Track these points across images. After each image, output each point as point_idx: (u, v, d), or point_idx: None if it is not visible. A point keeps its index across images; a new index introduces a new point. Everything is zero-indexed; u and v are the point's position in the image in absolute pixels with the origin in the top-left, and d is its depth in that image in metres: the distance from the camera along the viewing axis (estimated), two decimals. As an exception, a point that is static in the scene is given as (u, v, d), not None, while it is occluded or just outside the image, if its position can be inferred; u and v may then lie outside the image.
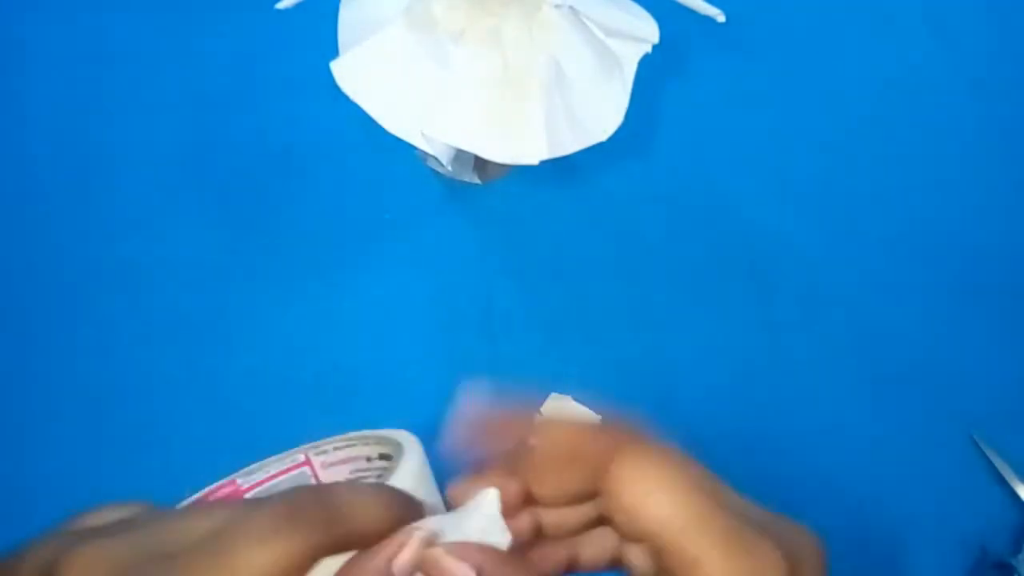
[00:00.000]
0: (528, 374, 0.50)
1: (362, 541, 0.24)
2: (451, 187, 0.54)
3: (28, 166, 0.54)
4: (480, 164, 0.52)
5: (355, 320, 0.51)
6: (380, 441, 0.39)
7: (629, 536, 0.25)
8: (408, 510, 0.26)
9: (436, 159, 0.46)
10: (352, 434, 0.41)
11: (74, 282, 0.51)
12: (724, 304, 0.53)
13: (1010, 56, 0.62)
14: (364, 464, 0.41)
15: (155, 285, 0.51)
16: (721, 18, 0.44)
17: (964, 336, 0.53)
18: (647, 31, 0.46)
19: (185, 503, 0.38)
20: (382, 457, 0.40)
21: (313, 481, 0.39)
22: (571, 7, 0.44)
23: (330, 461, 0.41)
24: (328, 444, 0.41)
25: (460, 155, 0.47)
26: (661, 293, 0.53)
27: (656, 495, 0.24)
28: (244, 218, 0.53)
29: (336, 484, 0.25)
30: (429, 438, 0.46)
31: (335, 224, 0.53)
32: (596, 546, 0.28)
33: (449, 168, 0.50)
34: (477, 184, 0.53)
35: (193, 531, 0.23)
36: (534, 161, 0.43)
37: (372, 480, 0.38)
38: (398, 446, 0.36)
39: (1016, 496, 0.48)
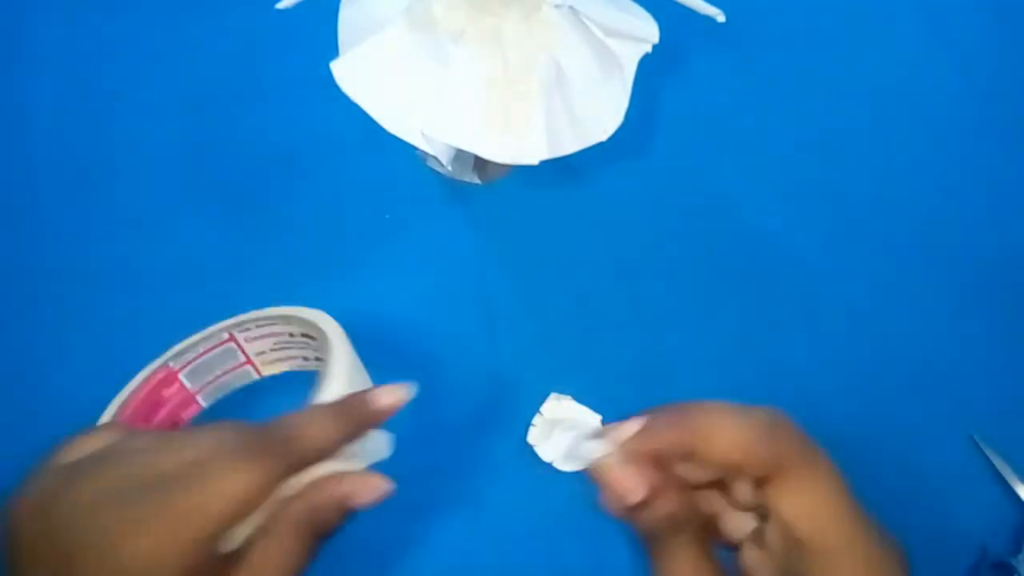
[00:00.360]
0: (528, 374, 0.50)
1: (317, 456, 0.29)
2: (451, 187, 0.54)
3: (28, 166, 0.54)
4: (480, 164, 0.52)
5: (354, 320, 0.51)
6: (301, 323, 0.41)
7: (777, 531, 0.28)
8: (352, 420, 0.31)
9: (436, 159, 0.46)
10: (271, 312, 0.43)
11: (74, 282, 0.51)
12: (724, 304, 0.53)
13: (1010, 56, 0.62)
14: (287, 339, 0.44)
15: (155, 285, 0.51)
16: (721, 18, 0.44)
17: (964, 336, 0.53)
18: (647, 31, 0.46)
19: (128, 395, 0.40)
20: (304, 336, 0.42)
21: (240, 354, 0.44)
22: (571, 7, 0.44)
23: (253, 336, 0.44)
24: (250, 322, 0.43)
25: (460, 155, 0.47)
26: (661, 293, 0.53)
27: (813, 513, 0.27)
28: (244, 218, 0.53)
29: (289, 414, 0.30)
30: (428, 436, 0.46)
31: (335, 224, 0.53)
32: (738, 522, 0.30)
33: (449, 168, 0.50)
34: (477, 184, 0.53)
35: (172, 461, 0.27)
36: (534, 161, 0.43)
37: (297, 352, 0.44)
38: (320, 331, 0.39)
39: (1016, 496, 0.48)
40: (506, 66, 0.42)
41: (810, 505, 0.27)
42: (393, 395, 0.32)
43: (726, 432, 0.28)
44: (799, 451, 0.28)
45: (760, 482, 0.28)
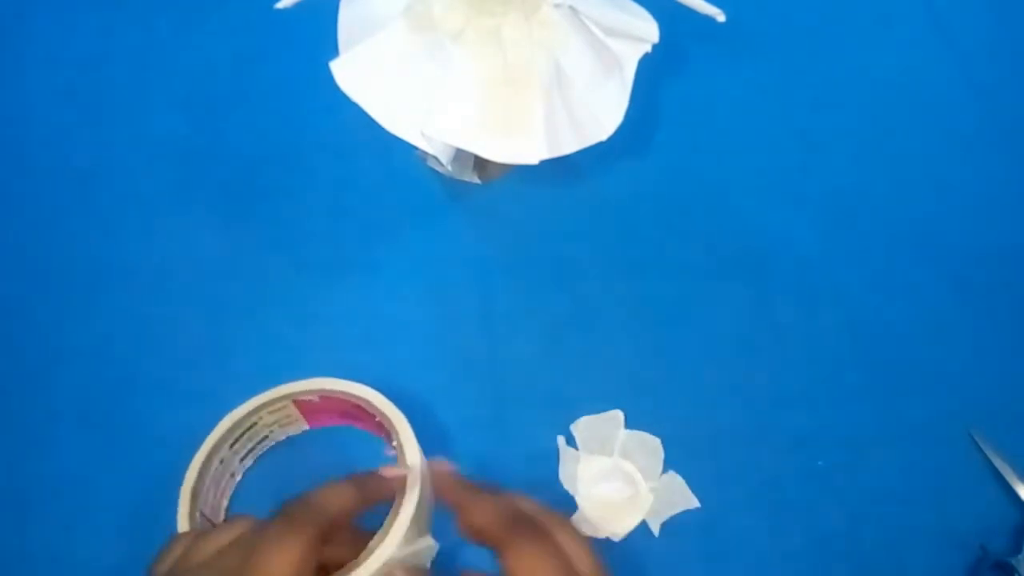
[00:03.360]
0: (527, 374, 0.50)
1: (342, 521, 0.35)
2: (451, 187, 0.54)
3: (28, 166, 0.54)
4: (480, 164, 0.52)
5: (355, 320, 0.51)
6: (369, 406, 0.44)
7: None
8: (369, 485, 0.37)
9: (436, 159, 0.46)
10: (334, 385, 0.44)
11: (74, 282, 0.51)
12: (723, 303, 0.53)
13: (1010, 56, 0.62)
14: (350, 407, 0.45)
15: (155, 285, 0.51)
16: (721, 18, 0.44)
17: (964, 336, 0.53)
18: (647, 31, 0.46)
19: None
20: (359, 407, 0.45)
21: (299, 418, 0.47)
22: (571, 7, 0.44)
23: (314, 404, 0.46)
24: (314, 392, 0.45)
25: (460, 155, 0.47)
26: (660, 293, 0.53)
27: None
28: (244, 218, 0.53)
29: (312, 490, 0.36)
30: (428, 437, 0.46)
31: (335, 224, 0.53)
32: None
33: (449, 168, 0.50)
34: (477, 184, 0.53)
35: (240, 557, 0.33)
36: (534, 161, 0.43)
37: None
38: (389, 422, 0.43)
39: (1016, 496, 0.48)
40: (506, 66, 0.42)
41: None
42: (396, 472, 0.39)
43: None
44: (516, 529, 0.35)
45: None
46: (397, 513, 0.38)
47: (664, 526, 0.46)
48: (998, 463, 0.49)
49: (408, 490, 0.40)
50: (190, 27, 0.58)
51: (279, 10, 0.44)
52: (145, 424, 0.47)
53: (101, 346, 0.49)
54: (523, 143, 0.43)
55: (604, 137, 0.45)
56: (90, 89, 0.56)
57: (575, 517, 0.46)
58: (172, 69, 0.57)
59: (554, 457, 0.48)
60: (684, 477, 0.47)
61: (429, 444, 0.46)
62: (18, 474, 0.46)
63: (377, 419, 0.44)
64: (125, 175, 0.54)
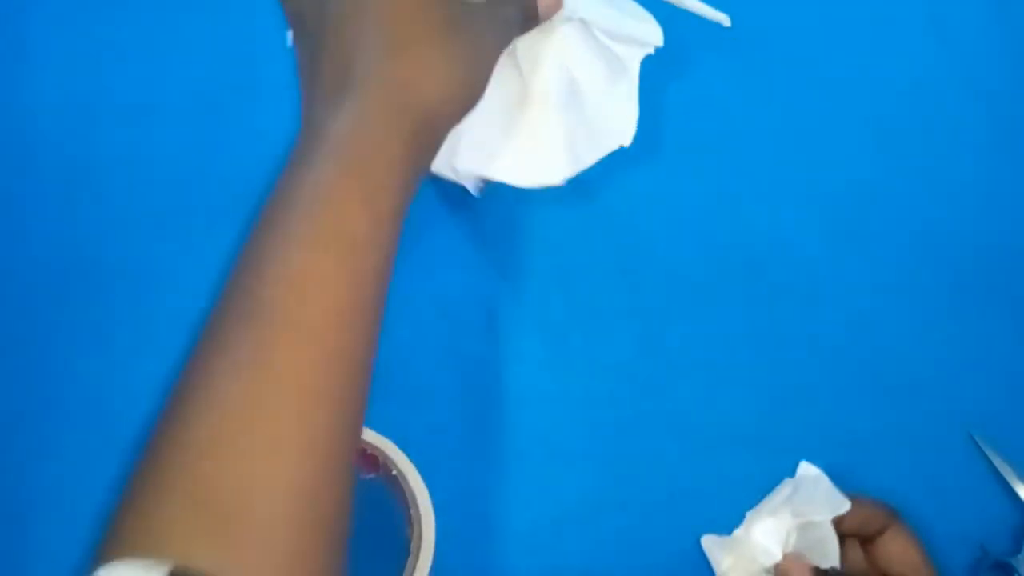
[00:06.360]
0: (530, 379, 0.50)
1: None
2: (452, 191, 0.54)
3: (28, 166, 0.54)
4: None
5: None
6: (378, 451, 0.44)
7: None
8: None
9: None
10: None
11: (73, 282, 0.50)
12: (726, 307, 0.53)
13: (1011, 57, 0.62)
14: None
15: (155, 285, 0.51)
16: (727, 23, 0.44)
17: (964, 336, 0.53)
18: (651, 35, 0.46)
19: None
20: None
21: None
22: (581, 19, 0.44)
23: None
24: None
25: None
26: (663, 297, 0.53)
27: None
28: (244, 219, 0.53)
29: None
30: (429, 440, 0.46)
31: (336, 226, 0.53)
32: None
33: (467, 184, 0.49)
34: (480, 187, 0.53)
35: None
36: (559, 182, 0.43)
37: None
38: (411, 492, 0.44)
39: (1016, 496, 0.48)
40: (523, 86, 0.42)
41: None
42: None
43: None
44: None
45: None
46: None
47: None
48: (998, 463, 0.49)
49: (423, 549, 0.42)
50: (190, 27, 0.58)
51: (279, 10, 0.44)
52: (145, 423, 0.47)
53: (99, 346, 0.49)
54: (546, 165, 0.43)
55: (626, 143, 0.45)
56: (90, 89, 0.56)
57: (787, 557, 0.45)
58: (172, 69, 0.57)
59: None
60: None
61: (428, 446, 0.46)
62: (16, 473, 0.46)
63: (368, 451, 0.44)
64: (124, 175, 0.54)
